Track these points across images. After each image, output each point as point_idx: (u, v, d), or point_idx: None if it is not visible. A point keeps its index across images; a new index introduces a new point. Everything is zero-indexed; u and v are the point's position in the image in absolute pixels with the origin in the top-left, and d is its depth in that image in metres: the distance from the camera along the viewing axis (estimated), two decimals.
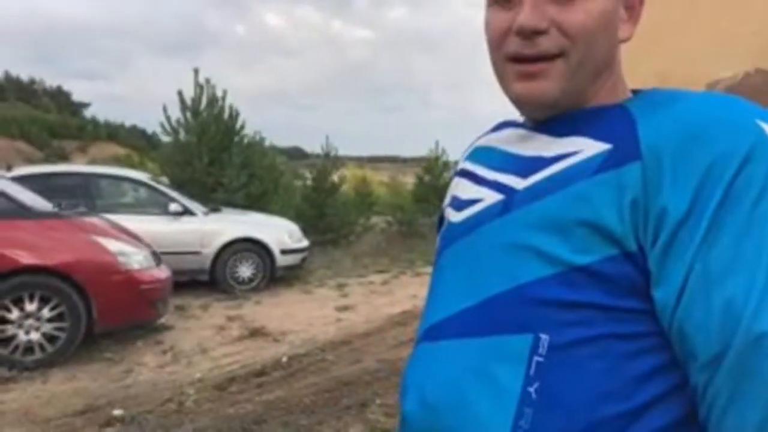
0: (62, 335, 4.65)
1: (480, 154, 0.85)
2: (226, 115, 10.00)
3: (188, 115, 9.72)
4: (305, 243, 8.22)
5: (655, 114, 0.64)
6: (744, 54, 1.69)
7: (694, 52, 1.73)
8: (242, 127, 10.34)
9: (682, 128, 0.60)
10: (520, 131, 0.78)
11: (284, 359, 4.87)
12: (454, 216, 0.79)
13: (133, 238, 5.49)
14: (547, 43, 0.67)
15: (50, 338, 4.63)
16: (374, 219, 13.64)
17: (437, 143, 13.63)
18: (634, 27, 0.72)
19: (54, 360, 4.59)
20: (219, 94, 9.90)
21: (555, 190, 0.65)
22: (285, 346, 5.29)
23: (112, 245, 4.99)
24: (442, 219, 0.88)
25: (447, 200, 0.88)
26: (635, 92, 0.76)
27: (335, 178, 12.29)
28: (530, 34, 0.67)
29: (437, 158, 13.57)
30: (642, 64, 1.75)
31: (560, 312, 0.61)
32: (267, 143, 12.08)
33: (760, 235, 0.55)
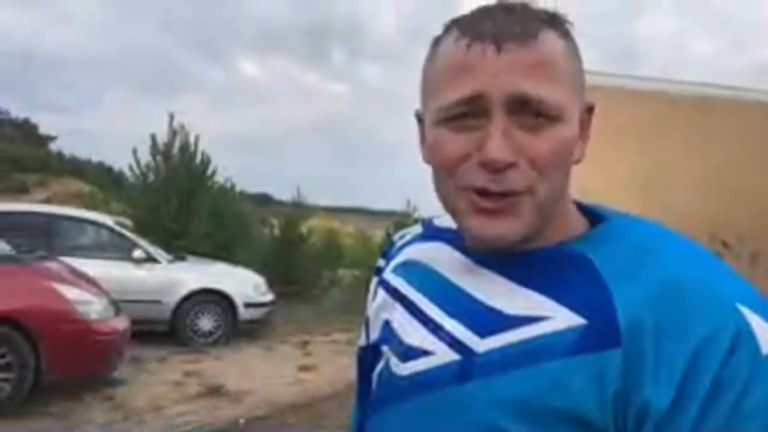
0: (6, 386, 4.39)
1: (415, 275, 0.77)
2: (197, 160, 9.94)
3: (159, 159, 9.62)
4: (270, 297, 8.06)
5: (629, 283, 0.58)
6: (724, 151, 1.76)
7: (675, 149, 1.79)
8: (214, 173, 10.27)
9: (663, 306, 0.56)
10: (463, 259, 0.71)
11: (242, 421, 4.68)
12: (396, 365, 0.71)
13: (92, 284, 5.30)
14: (516, 179, 0.60)
15: None
16: (341, 272, 13.53)
17: (409, 201, 13.76)
18: (585, 145, 0.68)
19: None
20: (191, 139, 9.86)
21: (523, 364, 0.59)
22: (243, 406, 5.09)
23: (70, 293, 4.80)
24: (374, 349, 0.79)
25: (378, 328, 0.79)
26: (579, 206, 0.71)
27: (304, 229, 12.21)
28: (502, 168, 0.60)
29: (409, 215, 13.66)
30: (616, 161, 1.80)
31: None
32: (236, 189, 11.99)
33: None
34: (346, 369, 6.44)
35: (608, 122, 1.84)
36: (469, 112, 0.61)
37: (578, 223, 0.69)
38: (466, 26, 0.62)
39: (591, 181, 1.80)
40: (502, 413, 0.59)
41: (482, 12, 0.63)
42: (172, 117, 9.67)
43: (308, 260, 11.88)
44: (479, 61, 0.60)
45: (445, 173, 0.64)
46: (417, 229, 0.85)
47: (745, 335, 0.54)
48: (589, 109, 0.68)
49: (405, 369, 0.69)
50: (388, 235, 13.71)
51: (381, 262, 0.87)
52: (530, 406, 0.58)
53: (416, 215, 13.47)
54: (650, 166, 1.73)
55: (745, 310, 0.56)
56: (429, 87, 0.66)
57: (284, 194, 13.07)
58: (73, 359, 4.72)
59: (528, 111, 0.60)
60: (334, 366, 6.62)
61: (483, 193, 0.62)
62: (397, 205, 14.25)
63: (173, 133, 9.68)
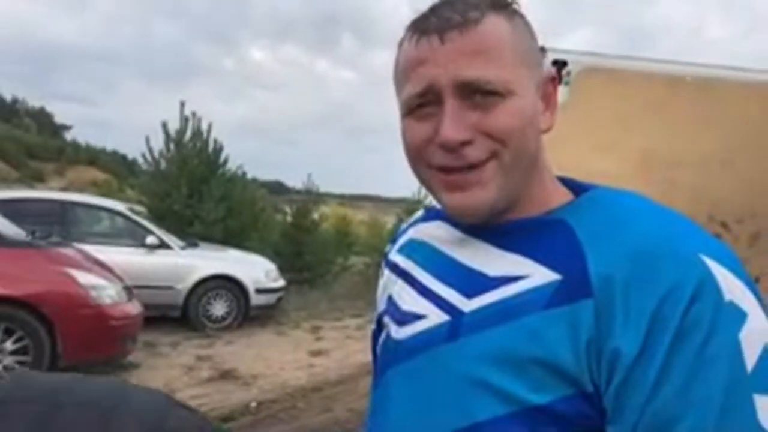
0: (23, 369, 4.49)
1: (414, 251, 0.83)
2: (209, 148, 9.98)
3: (171, 146, 9.68)
4: (282, 283, 8.13)
5: (602, 243, 0.62)
6: (725, 132, 1.75)
7: (677, 129, 1.78)
8: (226, 161, 10.32)
9: (632, 263, 0.59)
10: (456, 233, 0.76)
11: (253, 404, 4.75)
12: (395, 331, 0.76)
13: (107, 270, 5.38)
14: (475, 152, 0.66)
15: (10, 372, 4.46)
16: (353, 259, 13.57)
17: (419, 187, 13.71)
18: (553, 116, 0.72)
19: None
20: (204, 126, 9.90)
21: (505, 320, 0.64)
22: (255, 390, 5.16)
23: (84, 278, 4.87)
24: (380, 322, 0.85)
25: (383, 302, 0.85)
26: (565, 182, 0.75)
27: (315, 216, 12.25)
28: (456, 147, 0.65)
29: (419, 201, 13.64)
30: (620, 142, 1.80)
31: None
32: (249, 176, 12.03)
33: (708, 377, 0.55)
34: (357, 354, 6.50)
35: (610, 104, 1.84)
36: (426, 102, 0.68)
37: (562, 196, 0.73)
38: (416, 25, 0.69)
39: (594, 161, 1.80)
40: (486, 365, 0.63)
41: (430, 9, 0.69)
42: (183, 104, 9.72)
43: (320, 247, 11.92)
44: (427, 55, 0.67)
45: (414, 158, 0.71)
46: (420, 213, 0.91)
47: (707, 284, 0.57)
48: (552, 80, 0.73)
49: (402, 333, 0.75)
50: (400, 221, 13.73)
51: (388, 247, 0.93)
52: (511, 357, 0.62)
53: (426, 202, 13.41)
54: (652, 147, 1.73)
55: (709, 261, 0.58)
56: (396, 85, 0.73)
57: (297, 181, 13.10)
58: (88, 343, 4.81)
59: (476, 92, 0.65)
60: (344, 351, 6.69)
61: (446, 170, 0.68)
62: (408, 192, 14.25)
63: (185, 121, 9.73)
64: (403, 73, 0.70)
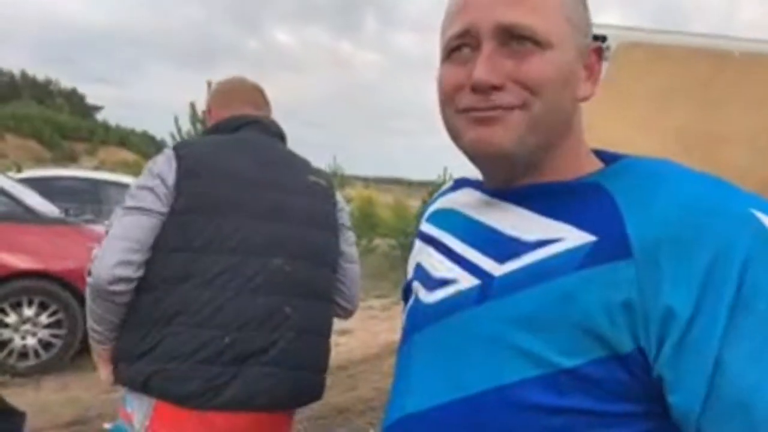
0: (58, 342, 4.62)
1: (444, 219, 0.82)
2: None
3: (198, 127, 9.77)
4: None
5: (643, 205, 0.60)
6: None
7: (724, 107, 1.72)
8: None
9: (678, 222, 0.57)
10: (484, 197, 0.75)
11: None
12: (425, 295, 0.75)
13: None
14: (503, 98, 0.65)
15: (46, 345, 4.60)
16: (377, 241, 13.59)
17: (445, 169, 13.64)
18: (594, 87, 0.71)
19: (48, 367, 4.55)
20: None
21: (536, 282, 0.62)
22: None
23: None
24: (408, 290, 0.85)
25: (412, 270, 0.85)
26: (598, 153, 0.74)
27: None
28: (486, 90, 0.64)
29: (444, 183, 13.55)
30: (661, 119, 1.74)
31: (546, 417, 0.59)
32: None
33: None
34: (381, 334, 6.54)
35: (652, 80, 1.78)
36: (464, 45, 0.67)
37: (594, 165, 0.72)
38: None
39: (636, 139, 1.75)
40: (515, 327, 0.62)
41: None
42: (209, 84, 9.77)
43: None
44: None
45: (445, 102, 0.70)
46: (449, 184, 0.91)
47: (763, 237, 0.54)
48: (597, 51, 0.72)
49: (431, 298, 0.74)
50: (424, 203, 13.66)
51: (419, 221, 0.92)
52: (542, 318, 0.60)
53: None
54: (697, 125, 1.67)
55: (762, 216, 0.56)
56: (441, 35, 0.72)
57: (322, 164, 13.17)
58: None
59: (516, 39, 0.65)
60: (369, 331, 6.73)
61: (472, 110, 0.67)
62: (434, 175, 14.20)
63: None
64: (447, 18, 0.70)
